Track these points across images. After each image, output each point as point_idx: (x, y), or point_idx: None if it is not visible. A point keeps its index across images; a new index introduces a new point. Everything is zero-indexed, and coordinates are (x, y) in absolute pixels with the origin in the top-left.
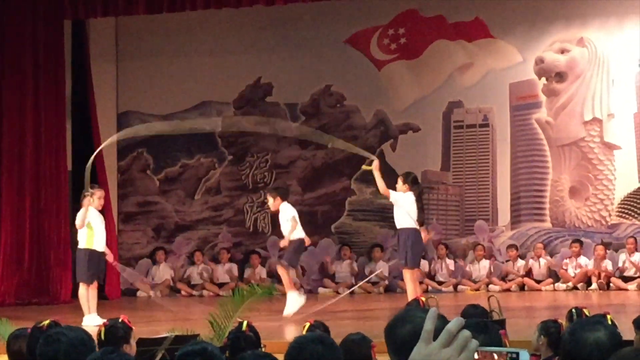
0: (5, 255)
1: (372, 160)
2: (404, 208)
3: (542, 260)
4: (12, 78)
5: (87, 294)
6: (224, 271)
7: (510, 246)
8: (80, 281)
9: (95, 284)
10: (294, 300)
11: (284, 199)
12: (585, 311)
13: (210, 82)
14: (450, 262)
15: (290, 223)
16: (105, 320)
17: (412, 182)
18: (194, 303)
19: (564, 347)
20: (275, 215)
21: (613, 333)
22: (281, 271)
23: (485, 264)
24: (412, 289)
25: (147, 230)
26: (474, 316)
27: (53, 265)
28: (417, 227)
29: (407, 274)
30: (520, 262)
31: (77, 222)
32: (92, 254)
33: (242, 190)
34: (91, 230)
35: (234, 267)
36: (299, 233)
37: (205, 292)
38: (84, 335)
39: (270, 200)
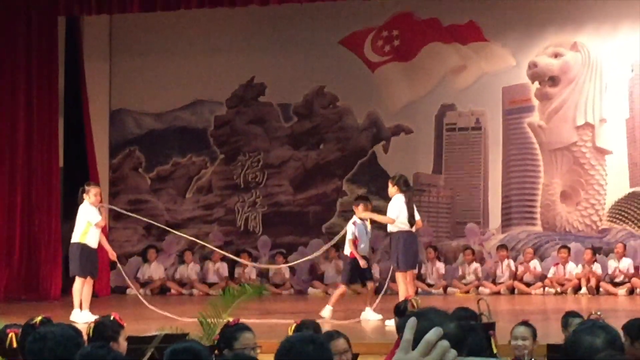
0: None
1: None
2: (395, 211)
3: (531, 265)
4: (5, 74)
5: (81, 288)
6: (214, 270)
7: (500, 246)
8: (73, 274)
9: (90, 281)
10: (370, 315)
11: (367, 205)
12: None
13: (204, 81)
14: (440, 265)
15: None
16: (97, 317)
17: (403, 184)
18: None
19: (565, 346)
20: (265, 215)
21: (611, 340)
22: (369, 286)
23: (475, 267)
24: (403, 290)
25: (138, 228)
26: (463, 319)
27: (43, 261)
28: (409, 229)
29: (399, 276)
30: (507, 262)
31: (98, 222)
32: (84, 248)
33: (234, 190)
34: (88, 227)
35: (224, 267)
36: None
37: (195, 291)
38: (72, 332)
39: (360, 210)
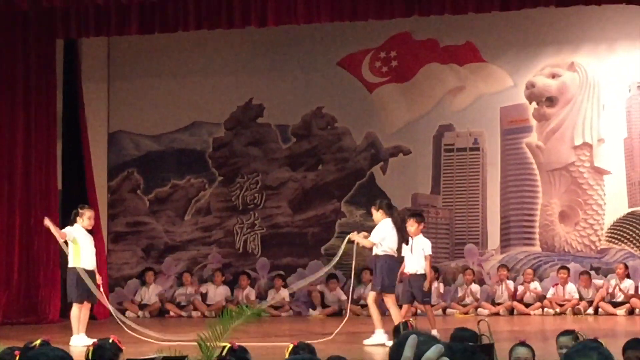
0: None
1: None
2: (379, 235)
3: (531, 286)
4: (3, 96)
5: (79, 313)
6: (216, 293)
7: (501, 266)
8: (70, 300)
9: (87, 305)
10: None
11: (420, 223)
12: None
13: (202, 102)
14: (439, 286)
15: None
16: (95, 340)
17: (387, 207)
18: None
19: None
20: (264, 237)
21: None
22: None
23: (475, 287)
24: (396, 313)
25: (136, 250)
26: (463, 339)
27: (42, 284)
28: (393, 254)
29: (389, 299)
30: (508, 282)
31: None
32: (81, 273)
33: (232, 211)
34: (78, 248)
35: (227, 290)
36: None
37: (194, 313)
38: (65, 354)
39: (415, 226)
